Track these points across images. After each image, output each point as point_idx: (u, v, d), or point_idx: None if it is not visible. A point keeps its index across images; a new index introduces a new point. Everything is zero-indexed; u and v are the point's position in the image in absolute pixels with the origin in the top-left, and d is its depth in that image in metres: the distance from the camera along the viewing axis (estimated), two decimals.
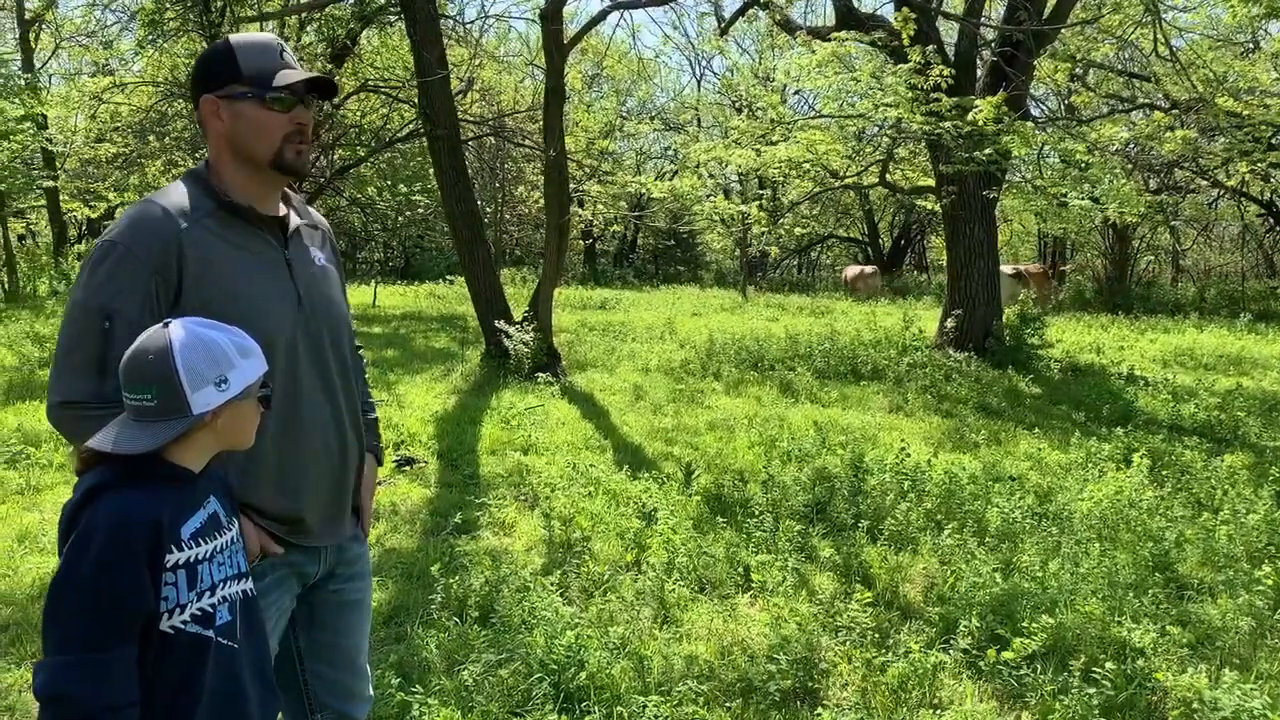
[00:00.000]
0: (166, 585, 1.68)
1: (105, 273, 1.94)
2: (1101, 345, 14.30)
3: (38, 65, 21.29)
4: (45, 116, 18.21)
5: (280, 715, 2.20)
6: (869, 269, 27.86)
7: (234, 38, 2.12)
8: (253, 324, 2.02)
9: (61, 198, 19.81)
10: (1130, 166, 21.34)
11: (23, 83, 17.32)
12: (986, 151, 10.22)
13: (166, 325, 1.74)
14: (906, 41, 9.76)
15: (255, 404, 1.85)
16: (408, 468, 6.80)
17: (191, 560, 1.72)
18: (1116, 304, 22.32)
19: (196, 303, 1.97)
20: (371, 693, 2.49)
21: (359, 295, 22.83)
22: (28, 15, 18.93)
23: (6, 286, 18.57)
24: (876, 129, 14.58)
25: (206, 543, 1.77)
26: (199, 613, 1.73)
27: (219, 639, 1.76)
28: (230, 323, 1.98)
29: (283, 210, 2.24)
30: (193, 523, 1.75)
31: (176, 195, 2.05)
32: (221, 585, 1.79)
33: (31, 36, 19.85)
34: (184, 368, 1.70)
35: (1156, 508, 5.89)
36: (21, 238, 27.57)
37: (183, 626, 1.70)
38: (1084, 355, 13.33)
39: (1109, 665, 3.57)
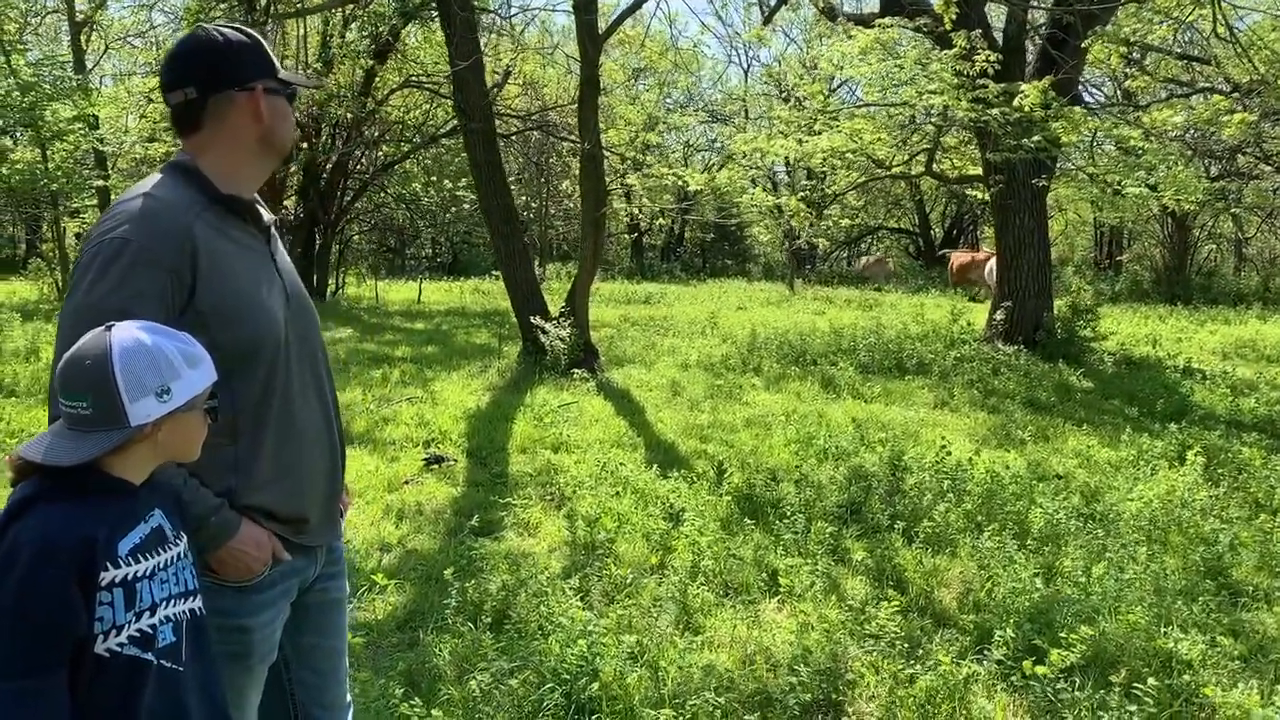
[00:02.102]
0: (101, 605, 1.57)
1: (119, 273, 1.80)
2: (1158, 337, 13.85)
3: (89, 66, 21.63)
4: (97, 117, 18.44)
5: None
6: (872, 258, 29.04)
7: (252, 32, 2.07)
8: (260, 322, 1.97)
9: (113, 197, 20.08)
10: (1190, 152, 20.74)
11: (74, 84, 17.57)
12: (1035, 138, 9.90)
13: (109, 329, 1.63)
14: (948, 25, 9.48)
15: (201, 416, 1.74)
16: (436, 466, 6.72)
17: (130, 578, 1.61)
18: (1175, 294, 21.70)
19: (208, 302, 1.88)
20: (350, 698, 2.41)
21: (405, 291, 22.94)
22: (79, 17, 19.22)
23: (60, 285, 18.88)
24: (924, 116, 14.26)
25: (147, 559, 1.65)
26: (138, 634, 1.61)
27: (161, 661, 1.65)
28: (239, 321, 1.90)
29: None
30: (132, 537, 1.64)
31: (171, 188, 1.94)
32: (164, 604, 1.67)
33: (82, 38, 20.16)
34: (122, 376, 1.59)
35: (1210, 508, 5.63)
36: (80, 236, 28.08)
37: (119, 649, 1.59)
38: (1139, 347, 12.93)
39: (1151, 681, 3.35)
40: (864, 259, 29.94)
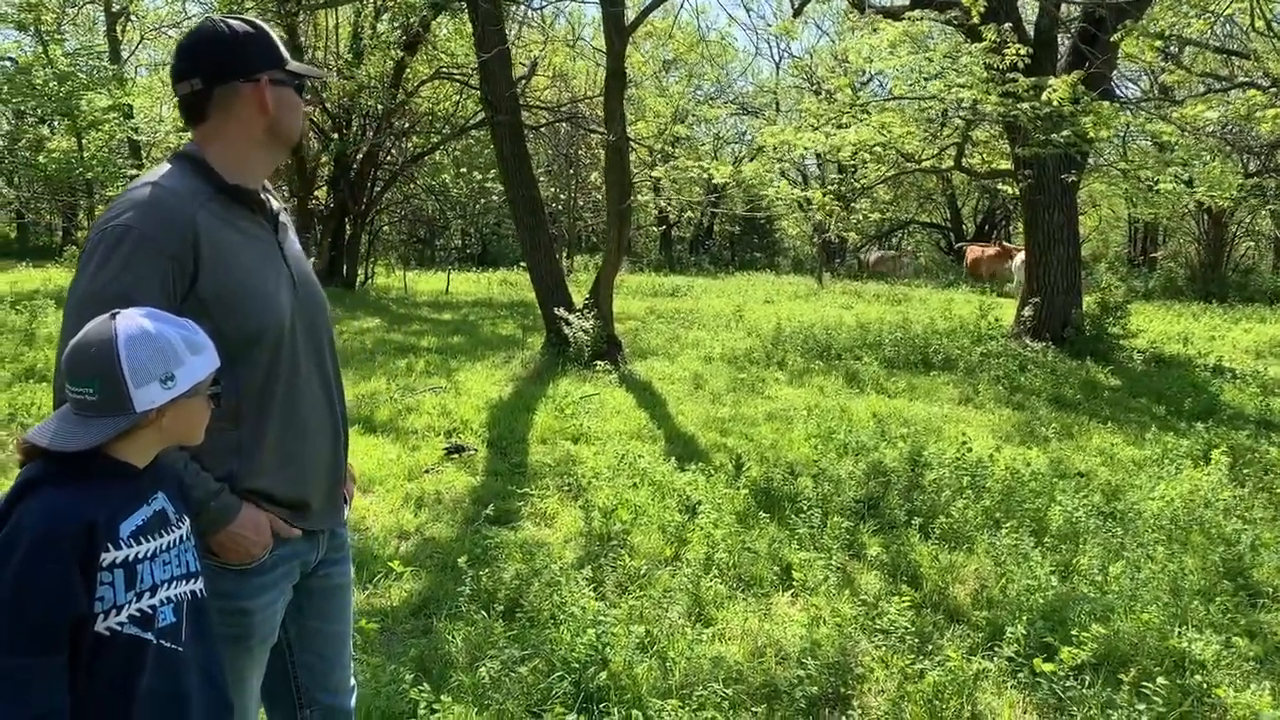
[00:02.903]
0: (102, 585, 1.61)
1: (121, 260, 1.83)
2: (1190, 335, 13.68)
3: (124, 56, 21.86)
4: (131, 107, 18.68)
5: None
6: (883, 251, 29.34)
7: (259, 22, 2.09)
8: (262, 310, 1.99)
9: None
10: (1228, 148, 20.43)
11: (110, 74, 17.80)
12: (1064, 133, 9.80)
13: (114, 316, 1.66)
14: (976, 19, 9.39)
15: (205, 401, 1.77)
16: (457, 455, 6.77)
17: (130, 559, 1.65)
18: (1210, 292, 21.39)
19: (210, 290, 1.91)
20: (354, 682, 2.44)
21: (434, 282, 23.06)
22: (114, 8, 19.46)
23: None
24: (954, 110, 14.14)
25: (149, 541, 1.69)
26: (138, 614, 1.65)
27: (160, 641, 1.68)
28: (242, 309, 1.93)
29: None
30: (134, 520, 1.67)
31: (177, 178, 1.97)
32: (165, 585, 1.71)
33: (118, 28, 20.39)
34: (128, 363, 1.62)
35: (1233, 508, 5.56)
36: None
37: (119, 628, 1.63)
38: (1170, 345, 12.78)
39: (1161, 680, 3.33)
40: (875, 253, 29.46)
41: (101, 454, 1.66)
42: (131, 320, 1.66)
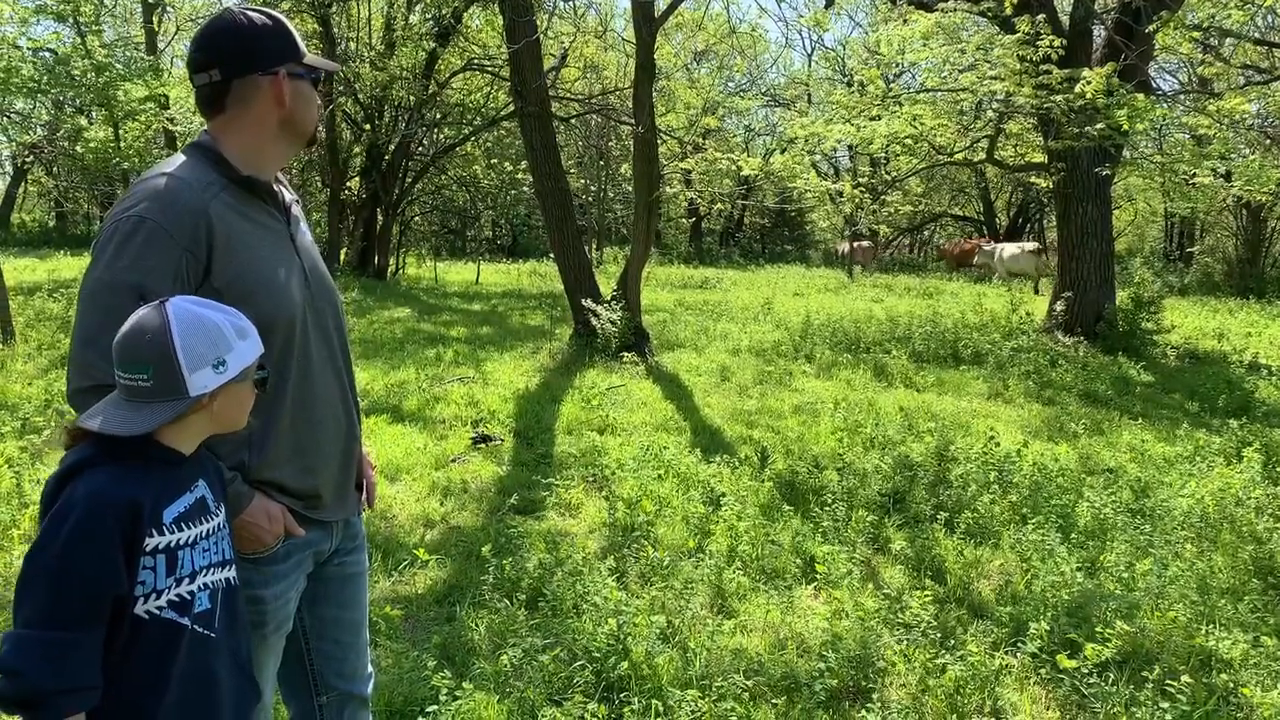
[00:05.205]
0: (144, 569, 1.64)
1: (136, 250, 1.85)
2: (1226, 331, 13.51)
3: (160, 47, 22.06)
4: (167, 97, 18.80)
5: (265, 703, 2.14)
6: (864, 243, 29.21)
7: (277, 15, 2.09)
8: (274, 300, 2.00)
9: None
10: (1268, 141, 20.11)
11: (146, 64, 17.95)
12: (1098, 126, 9.68)
13: (163, 304, 1.69)
14: (1009, 10, 9.29)
15: (251, 386, 1.81)
16: (483, 445, 6.81)
17: (172, 545, 1.68)
18: (1248, 287, 21.10)
19: (222, 280, 1.92)
20: (372, 669, 2.47)
21: (464, 273, 23.16)
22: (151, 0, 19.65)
23: None
24: (985, 102, 14.01)
25: (190, 528, 1.72)
26: (176, 599, 1.68)
27: (195, 627, 1.72)
28: (253, 300, 1.94)
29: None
30: (177, 506, 1.70)
31: (191, 169, 1.98)
32: (203, 572, 1.74)
33: (154, 20, 20.58)
34: (182, 348, 1.65)
35: (1265, 506, 5.48)
36: None
37: (157, 612, 1.66)
38: (1205, 342, 12.62)
39: (1186, 679, 3.30)
40: (852, 242, 28.66)
41: (151, 440, 1.69)
42: (182, 307, 1.69)
